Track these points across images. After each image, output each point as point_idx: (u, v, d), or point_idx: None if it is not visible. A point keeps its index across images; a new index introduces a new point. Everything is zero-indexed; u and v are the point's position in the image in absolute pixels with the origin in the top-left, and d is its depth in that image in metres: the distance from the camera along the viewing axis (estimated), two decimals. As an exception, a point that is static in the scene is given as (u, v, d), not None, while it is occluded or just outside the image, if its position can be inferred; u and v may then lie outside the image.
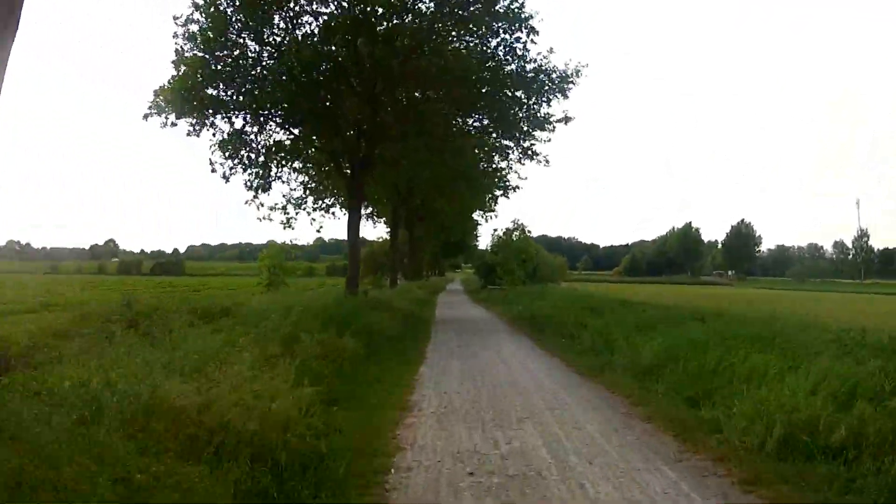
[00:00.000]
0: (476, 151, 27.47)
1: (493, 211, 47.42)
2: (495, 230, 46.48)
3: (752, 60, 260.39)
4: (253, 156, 24.76)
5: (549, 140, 25.47)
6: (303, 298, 19.88)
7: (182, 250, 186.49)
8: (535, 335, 19.02)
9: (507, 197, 32.19)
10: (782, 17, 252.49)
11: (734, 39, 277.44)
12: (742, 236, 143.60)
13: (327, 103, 23.72)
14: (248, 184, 25.38)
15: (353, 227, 24.77)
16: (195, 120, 22.67)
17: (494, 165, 26.63)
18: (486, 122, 25.86)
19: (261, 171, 25.40)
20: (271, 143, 24.89)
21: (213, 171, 24.20)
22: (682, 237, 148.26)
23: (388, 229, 44.16)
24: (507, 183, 27.22)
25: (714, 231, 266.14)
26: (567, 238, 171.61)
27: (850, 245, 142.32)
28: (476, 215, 54.12)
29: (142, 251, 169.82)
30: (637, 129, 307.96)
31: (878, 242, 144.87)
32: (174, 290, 56.95)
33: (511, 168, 26.35)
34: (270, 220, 27.66)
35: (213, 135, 23.45)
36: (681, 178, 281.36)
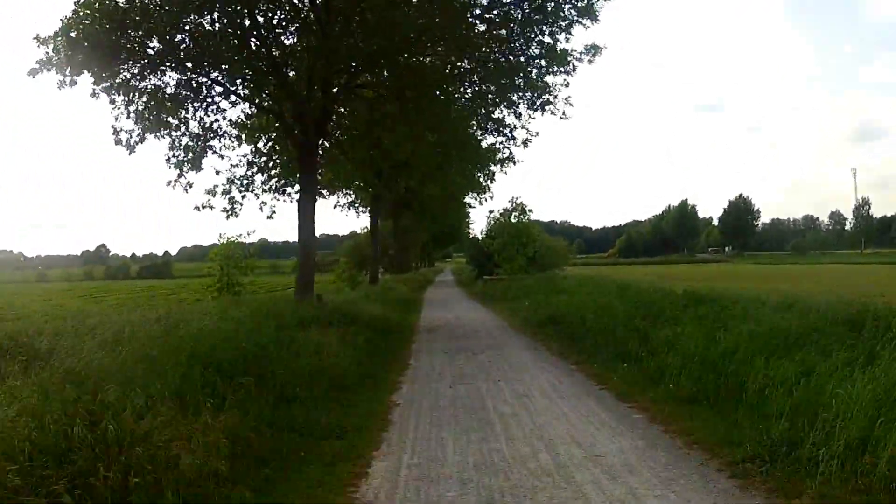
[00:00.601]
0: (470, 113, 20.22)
1: (489, 190, 40.41)
2: (491, 212, 39.14)
3: (752, 50, 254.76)
4: (174, 120, 17.86)
5: (567, 84, 18.43)
6: (212, 311, 12.84)
7: (174, 252, 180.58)
8: (571, 354, 11.88)
9: (513, 162, 24.99)
10: (783, 6, 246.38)
11: (734, 28, 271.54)
12: (741, 211, 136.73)
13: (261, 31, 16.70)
14: (172, 158, 18.49)
15: (306, 212, 17.66)
16: (105, 75, 16.00)
17: (498, 117, 19.33)
18: (482, 80, 18.73)
19: (189, 142, 18.49)
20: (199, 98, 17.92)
21: (118, 141, 17.32)
22: (679, 215, 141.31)
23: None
24: (513, 144, 19.94)
25: (709, 210, 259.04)
26: (560, 222, 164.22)
27: (846, 215, 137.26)
28: (469, 198, 47.11)
29: (133, 255, 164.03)
30: (635, 115, 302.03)
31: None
32: (140, 294, 51.17)
33: (520, 124, 19.23)
34: (210, 207, 20.81)
35: (118, 91, 16.71)
36: (681, 166, 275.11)
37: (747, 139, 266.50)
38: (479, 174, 34.43)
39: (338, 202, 37.73)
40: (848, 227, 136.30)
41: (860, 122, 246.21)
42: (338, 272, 43.15)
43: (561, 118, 18.70)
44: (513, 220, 36.69)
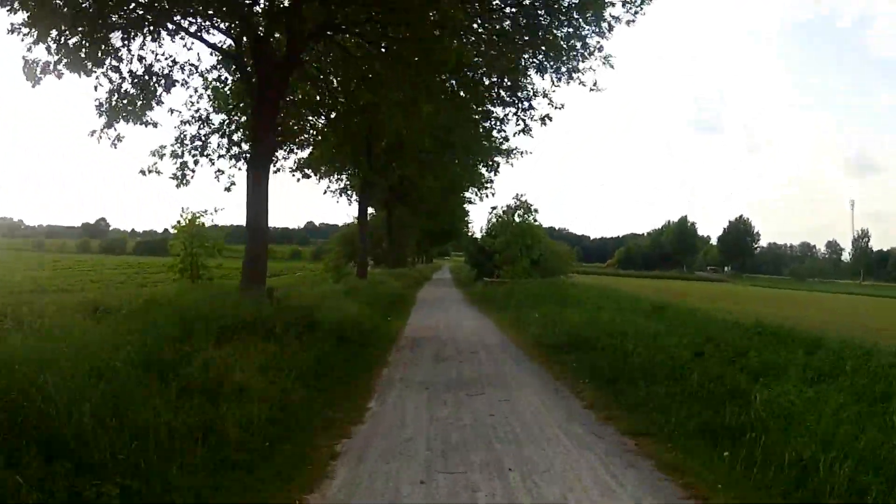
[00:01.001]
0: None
1: (492, 184, 36.07)
2: (494, 208, 34.57)
3: (752, 71, 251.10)
4: (101, 53, 13.60)
5: (601, 48, 14.16)
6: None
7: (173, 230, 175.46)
8: (617, 411, 7.29)
9: (528, 137, 20.68)
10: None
11: (738, 44, 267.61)
12: (740, 232, 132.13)
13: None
14: (105, 104, 14.35)
15: (258, 182, 13.31)
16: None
17: (511, 83, 14.88)
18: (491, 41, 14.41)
19: (130, 88, 14.38)
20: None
21: (28, 76, 13.04)
22: (679, 231, 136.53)
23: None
24: (529, 117, 15.48)
25: (705, 228, 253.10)
26: (558, 229, 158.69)
27: (842, 245, 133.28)
28: (469, 193, 42.78)
29: (132, 230, 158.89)
30: (636, 131, 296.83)
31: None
32: (125, 270, 48.00)
33: (541, 90, 14.90)
34: (157, 172, 16.77)
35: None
36: (678, 183, 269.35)
37: (745, 160, 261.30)
38: (481, 164, 30.26)
39: (328, 188, 33.51)
40: (845, 257, 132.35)
41: (859, 154, 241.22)
42: (325, 262, 38.98)
43: (592, 89, 14.48)
44: (517, 218, 32.27)
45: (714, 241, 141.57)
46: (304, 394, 7.22)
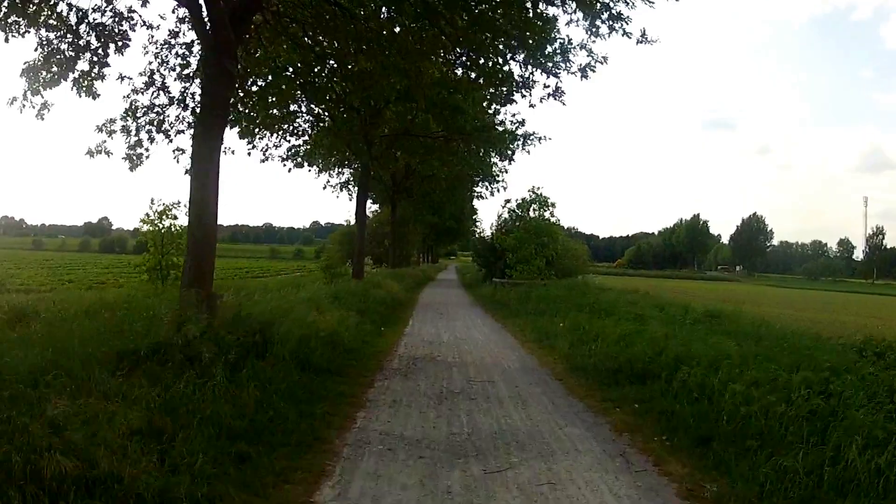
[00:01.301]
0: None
1: (505, 173, 32.95)
2: (507, 201, 31.30)
3: (766, 69, 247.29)
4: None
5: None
6: None
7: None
8: (735, 496, 4.29)
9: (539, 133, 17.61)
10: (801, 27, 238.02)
11: (750, 45, 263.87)
12: (753, 230, 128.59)
13: None
14: (33, 68, 11.58)
15: (205, 153, 10.10)
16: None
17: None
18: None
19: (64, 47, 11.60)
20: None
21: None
22: (690, 229, 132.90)
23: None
24: (566, 71, 12.38)
25: (714, 226, 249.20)
26: (567, 228, 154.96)
27: (854, 243, 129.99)
28: (479, 188, 39.69)
29: (135, 229, 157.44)
30: (646, 128, 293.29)
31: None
32: (114, 270, 46.39)
33: (578, 42, 11.83)
34: (107, 153, 13.81)
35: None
36: (688, 181, 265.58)
37: (756, 159, 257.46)
38: (492, 151, 27.19)
39: (328, 182, 30.64)
40: (857, 255, 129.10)
41: (871, 151, 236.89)
42: (322, 261, 36.07)
43: (639, 41, 11.36)
44: (532, 213, 29.00)
45: (725, 240, 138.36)
46: (206, 476, 4.16)
